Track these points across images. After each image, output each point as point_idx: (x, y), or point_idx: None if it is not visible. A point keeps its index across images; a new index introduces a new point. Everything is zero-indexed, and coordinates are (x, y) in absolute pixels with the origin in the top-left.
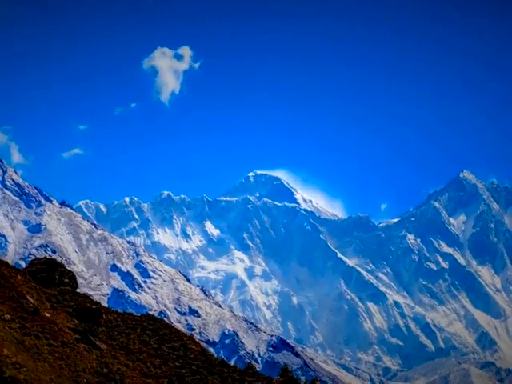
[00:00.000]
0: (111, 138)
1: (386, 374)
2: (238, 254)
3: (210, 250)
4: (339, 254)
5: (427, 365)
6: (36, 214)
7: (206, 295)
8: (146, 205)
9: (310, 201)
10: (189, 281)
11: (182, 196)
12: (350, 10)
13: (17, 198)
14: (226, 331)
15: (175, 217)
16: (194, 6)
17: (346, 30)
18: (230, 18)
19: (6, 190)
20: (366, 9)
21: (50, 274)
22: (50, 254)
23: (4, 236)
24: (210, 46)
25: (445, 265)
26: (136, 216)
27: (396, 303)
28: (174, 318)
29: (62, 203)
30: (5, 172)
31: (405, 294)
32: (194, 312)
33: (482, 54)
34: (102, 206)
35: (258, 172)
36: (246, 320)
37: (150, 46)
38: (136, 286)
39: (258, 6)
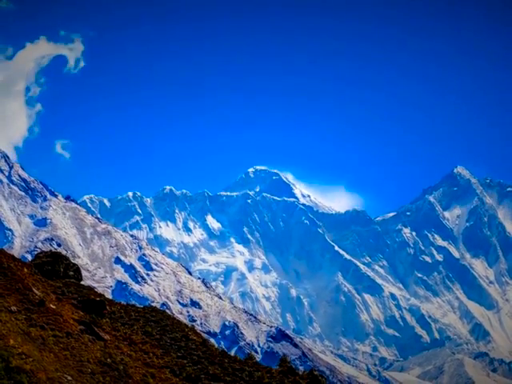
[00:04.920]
0: (114, 135)
1: (382, 364)
2: (239, 247)
3: (211, 243)
4: (337, 248)
5: (422, 355)
6: (41, 208)
7: (207, 287)
8: (148, 199)
9: (308, 195)
10: (190, 273)
11: (184, 191)
12: (351, 8)
13: (23, 193)
14: (227, 322)
15: (177, 211)
16: None
17: (345, 27)
18: (227, 16)
19: (12, 186)
20: (368, 7)
21: (55, 266)
22: (56, 247)
23: (10, 230)
24: (210, 45)
25: (439, 258)
26: (139, 210)
27: (392, 295)
28: (176, 310)
29: (67, 198)
30: (11, 168)
31: (400, 286)
32: (195, 304)
33: (478, 50)
34: (105, 201)
35: (258, 168)
36: (245, 311)
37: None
38: (139, 279)
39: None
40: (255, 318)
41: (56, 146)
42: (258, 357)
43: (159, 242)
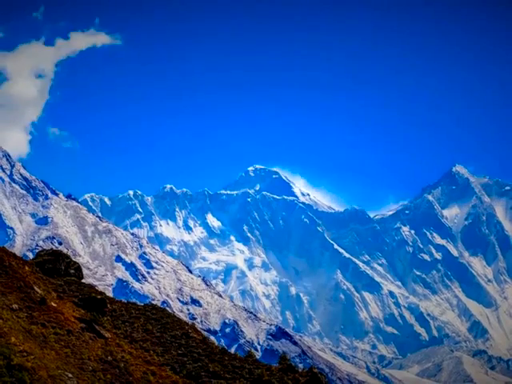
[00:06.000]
0: (115, 133)
1: (381, 362)
2: (239, 245)
3: (211, 241)
4: (336, 246)
5: (421, 353)
6: (43, 206)
7: (207, 285)
8: (149, 198)
9: (308, 194)
10: (190, 271)
11: (184, 189)
12: (353, 5)
13: (24, 192)
14: (227, 320)
15: (177, 210)
16: None
17: (347, 25)
18: (226, 13)
19: (13, 184)
20: (369, 5)
21: (56, 265)
22: (57, 245)
23: (12, 228)
24: (210, 42)
25: (438, 256)
26: (140, 209)
27: (391, 293)
28: (176, 308)
29: (68, 196)
30: (13, 166)
31: (399, 284)
32: (195, 302)
33: (479, 49)
34: (106, 199)
35: (258, 166)
36: (245, 309)
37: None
38: (139, 277)
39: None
40: (255, 315)
41: (57, 141)
42: (258, 354)
43: (160, 241)
